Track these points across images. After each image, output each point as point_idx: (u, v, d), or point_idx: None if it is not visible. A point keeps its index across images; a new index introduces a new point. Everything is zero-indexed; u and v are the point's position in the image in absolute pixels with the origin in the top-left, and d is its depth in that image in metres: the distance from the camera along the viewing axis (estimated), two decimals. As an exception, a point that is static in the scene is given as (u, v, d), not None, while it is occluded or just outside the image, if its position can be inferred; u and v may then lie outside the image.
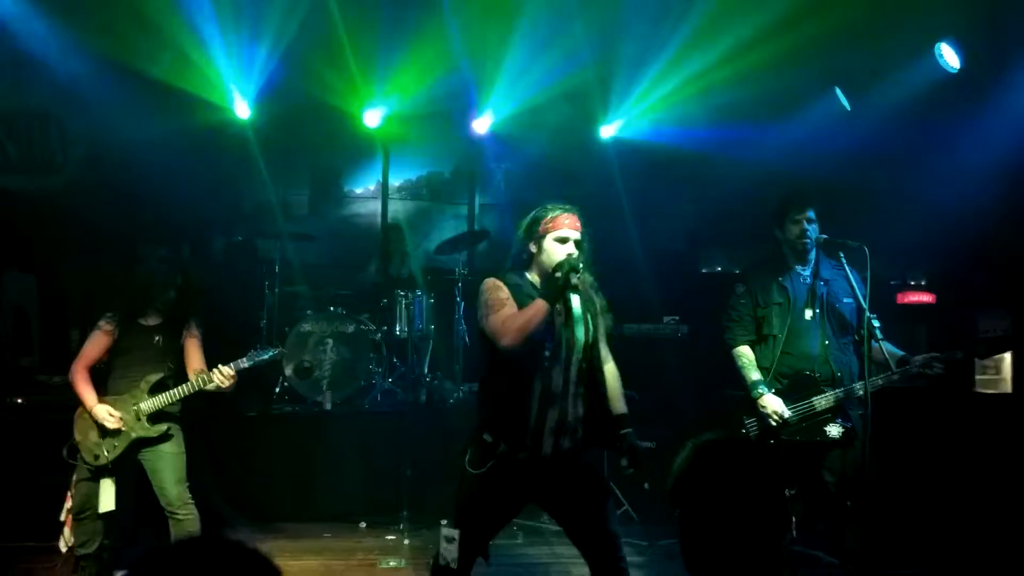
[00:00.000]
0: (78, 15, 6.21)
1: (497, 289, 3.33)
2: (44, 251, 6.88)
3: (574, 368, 3.33)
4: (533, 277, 3.42)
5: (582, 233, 3.37)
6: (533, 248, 3.39)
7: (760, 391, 4.25)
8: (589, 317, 3.38)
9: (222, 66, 6.80)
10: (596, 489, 3.39)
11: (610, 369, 3.49)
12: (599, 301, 3.46)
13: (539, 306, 3.20)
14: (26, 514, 4.97)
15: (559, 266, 3.24)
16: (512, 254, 3.48)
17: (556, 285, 3.21)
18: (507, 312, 3.26)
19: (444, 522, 3.32)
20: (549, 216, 3.37)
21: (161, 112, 6.80)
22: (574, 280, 3.17)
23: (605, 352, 3.48)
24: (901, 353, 4.15)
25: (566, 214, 3.37)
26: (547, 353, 3.27)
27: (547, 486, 3.33)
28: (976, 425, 5.69)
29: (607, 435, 3.40)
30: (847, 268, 4.20)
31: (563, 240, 3.33)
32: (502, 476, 3.25)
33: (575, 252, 3.30)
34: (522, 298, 3.31)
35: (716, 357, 4.59)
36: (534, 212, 3.43)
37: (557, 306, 3.26)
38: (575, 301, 3.32)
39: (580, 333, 3.35)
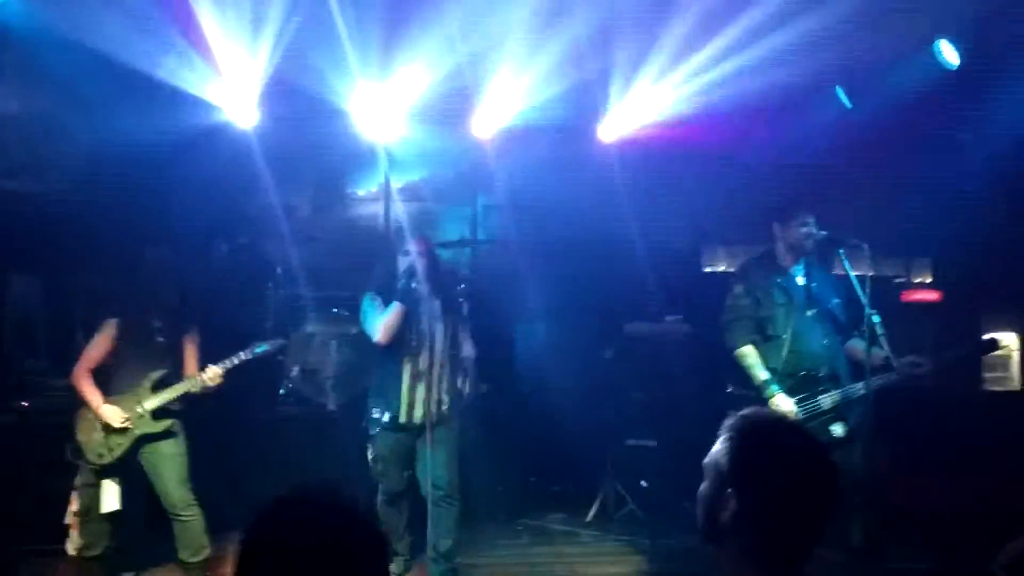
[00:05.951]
0: (80, 18, 6.21)
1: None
2: (49, 254, 6.87)
3: (437, 354, 4.48)
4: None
5: (428, 252, 4.49)
6: None
7: (772, 391, 4.25)
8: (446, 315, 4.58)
9: (224, 68, 6.80)
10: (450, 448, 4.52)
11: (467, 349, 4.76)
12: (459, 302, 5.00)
13: (395, 309, 4.42)
14: (33, 518, 4.96)
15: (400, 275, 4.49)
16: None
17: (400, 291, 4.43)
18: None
19: None
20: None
21: (164, 115, 6.79)
22: (414, 284, 4.38)
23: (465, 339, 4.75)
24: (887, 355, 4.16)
25: (413, 239, 4.58)
26: (413, 343, 4.45)
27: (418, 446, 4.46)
28: (984, 421, 5.68)
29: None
30: (847, 265, 4.21)
31: (406, 253, 4.54)
32: (387, 438, 4.49)
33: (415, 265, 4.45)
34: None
35: (720, 356, 4.59)
36: None
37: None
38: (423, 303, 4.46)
39: (439, 327, 4.53)
